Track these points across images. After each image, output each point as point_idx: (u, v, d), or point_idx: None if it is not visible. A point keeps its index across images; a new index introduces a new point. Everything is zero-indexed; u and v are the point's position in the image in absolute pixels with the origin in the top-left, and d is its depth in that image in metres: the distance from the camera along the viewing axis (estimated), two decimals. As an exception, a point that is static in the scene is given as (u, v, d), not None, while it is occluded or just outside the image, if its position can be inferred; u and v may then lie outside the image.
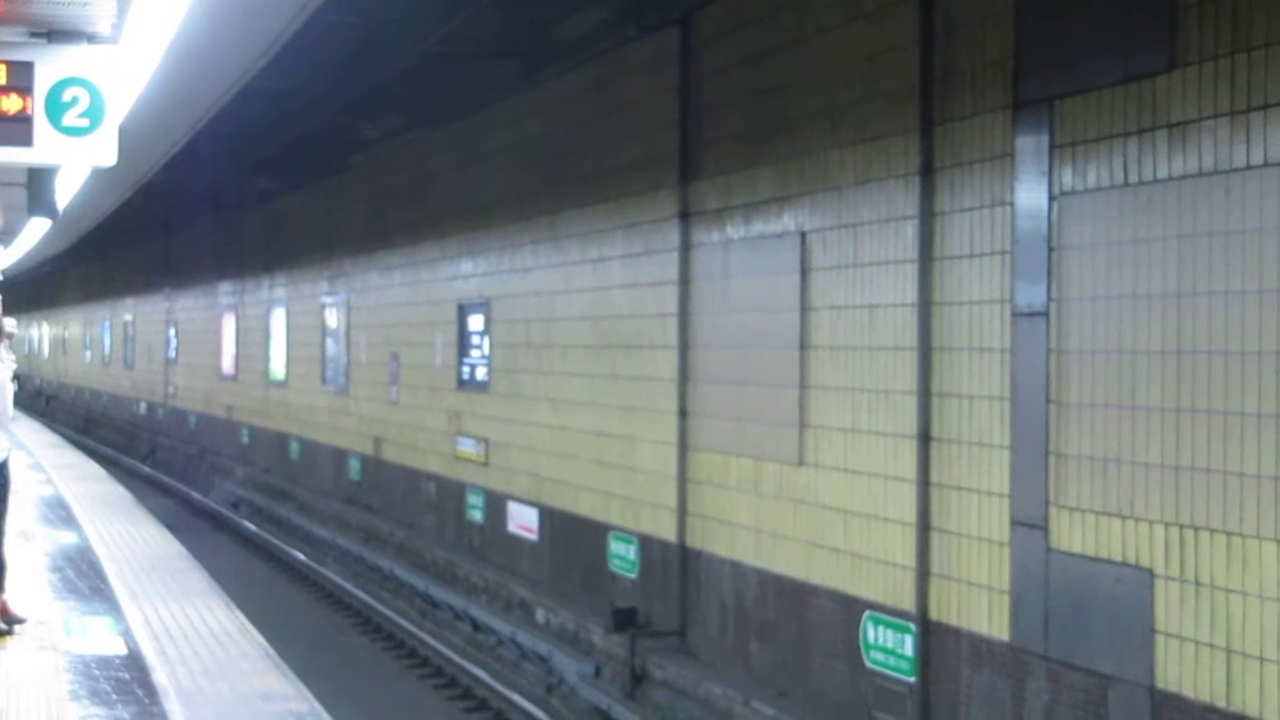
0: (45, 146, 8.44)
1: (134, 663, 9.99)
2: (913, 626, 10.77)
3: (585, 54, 16.31)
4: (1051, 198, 9.43)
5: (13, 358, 11.41)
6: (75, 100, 8.41)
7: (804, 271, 12.13)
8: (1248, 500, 8.00)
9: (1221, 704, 8.16)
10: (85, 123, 8.43)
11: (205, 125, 15.34)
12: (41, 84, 8.38)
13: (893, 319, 11.04)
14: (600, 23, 15.76)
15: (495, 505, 19.05)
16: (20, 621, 10.85)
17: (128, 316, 45.64)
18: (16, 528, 12.72)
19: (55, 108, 8.40)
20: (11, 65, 8.37)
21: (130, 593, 12.69)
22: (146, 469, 38.03)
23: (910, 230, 10.80)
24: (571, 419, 16.79)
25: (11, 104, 8.33)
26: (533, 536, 17.86)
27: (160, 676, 9.60)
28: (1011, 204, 9.82)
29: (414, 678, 16.67)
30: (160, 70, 11.30)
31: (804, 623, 12.24)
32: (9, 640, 10.43)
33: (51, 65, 8.40)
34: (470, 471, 19.91)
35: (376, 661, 17.48)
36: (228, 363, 33.91)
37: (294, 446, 28.80)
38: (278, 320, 29.98)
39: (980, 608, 10.15)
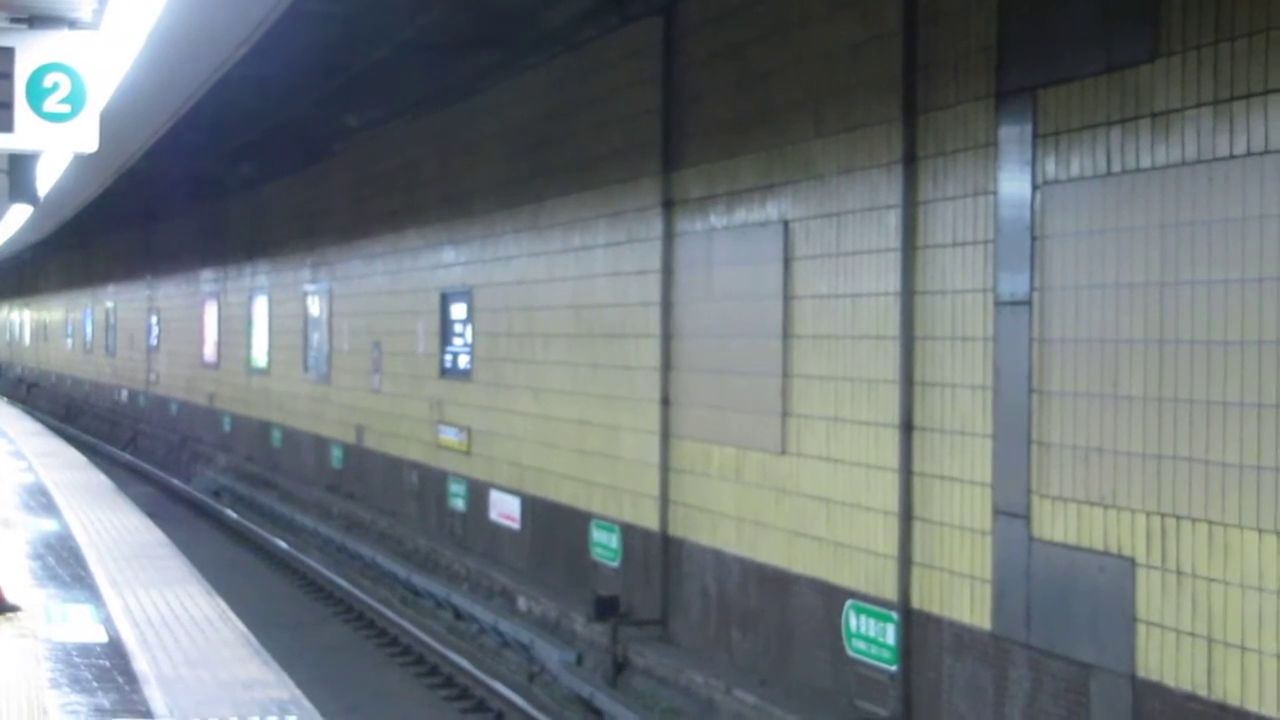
0: (26, 132, 8.41)
1: (115, 650, 9.96)
2: (895, 615, 10.78)
3: (568, 43, 16.29)
4: (1034, 187, 9.44)
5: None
6: (56, 86, 8.38)
7: (787, 260, 12.13)
8: (1229, 489, 8.02)
9: (1203, 693, 8.18)
10: (66, 109, 8.39)
11: (187, 112, 15.30)
12: (22, 70, 8.35)
13: (875, 308, 11.04)
14: (582, 11, 15.73)
15: (477, 493, 19.04)
16: (15, 609, 10.79)
17: (109, 304, 45.53)
18: (-3, 515, 12.69)
19: (36, 93, 8.36)
20: (-8, 50, 8.33)
21: (111, 580, 12.66)
22: (128, 456, 37.95)
23: (893, 219, 10.81)
24: (554, 407, 16.78)
25: (-8, 90, 8.30)
26: (515, 525, 17.86)
27: (141, 664, 9.57)
28: (994, 193, 9.83)
29: (396, 666, 16.66)
30: (142, 56, 11.26)
31: (786, 611, 12.25)
32: (-11, 628, 10.40)
33: (32, 51, 8.36)
34: (452, 460, 19.89)
35: (358, 649, 17.47)
36: (210, 350, 33.85)
37: (276, 434, 28.76)
38: (260, 308, 29.93)
39: (962, 596, 10.16)
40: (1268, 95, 7.78)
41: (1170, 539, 8.42)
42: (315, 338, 26.48)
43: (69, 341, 53.28)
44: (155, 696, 8.80)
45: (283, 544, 23.60)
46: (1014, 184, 9.62)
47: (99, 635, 10.44)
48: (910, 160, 10.63)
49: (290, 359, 27.83)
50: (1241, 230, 7.93)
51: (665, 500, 14.19)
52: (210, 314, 33.77)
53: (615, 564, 15.24)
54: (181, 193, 32.46)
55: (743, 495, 12.87)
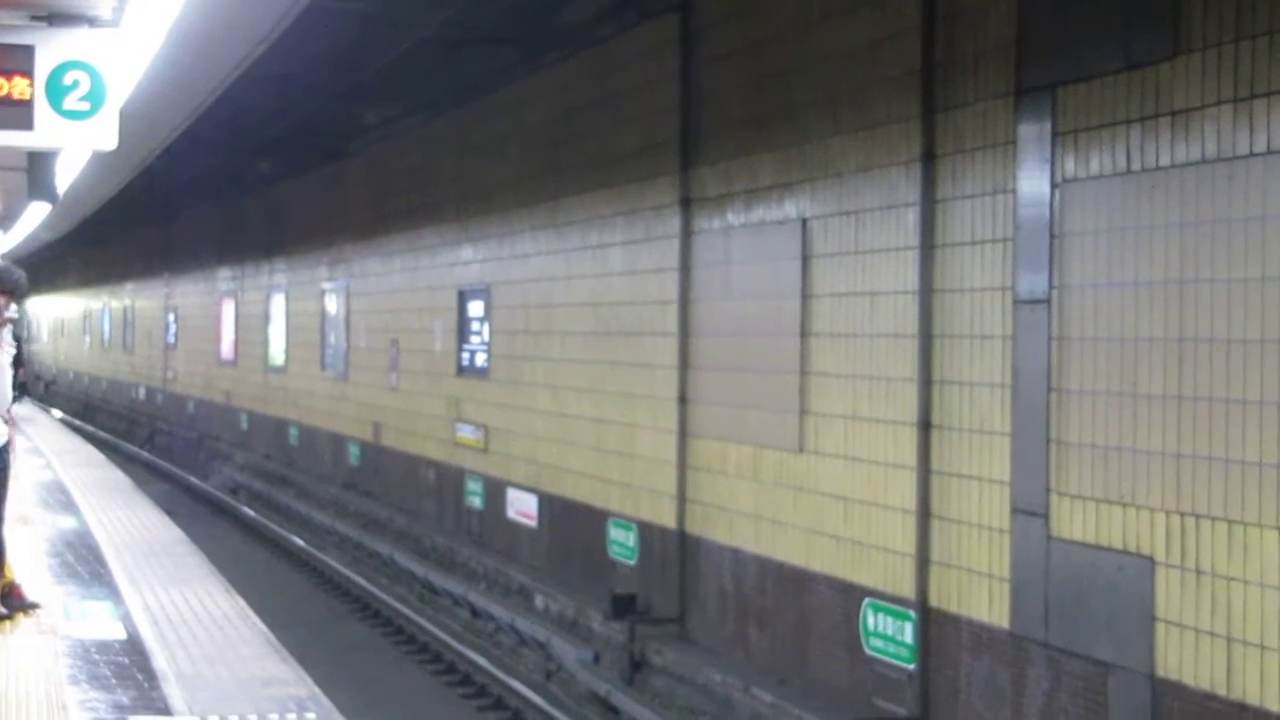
0: (46, 130, 8.43)
1: (133, 647, 9.98)
2: (912, 614, 10.76)
3: (586, 40, 16.29)
4: (1054, 185, 9.42)
5: (13, 343, 11.37)
6: (76, 84, 8.39)
7: (805, 258, 12.11)
8: (1249, 488, 7.99)
9: (1222, 692, 8.16)
10: (86, 106, 8.41)
11: (206, 110, 15.33)
12: (42, 67, 8.36)
13: (894, 306, 11.03)
14: (601, 9, 15.74)
15: (494, 491, 19.05)
16: (35, 606, 10.81)
17: (127, 301, 45.62)
18: (16, 512, 12.71)
19: (56, 91, 8.38)
20: (12, 49, 8.35)
21: (130, 577, 12.68)
22: (145, 454, 38.02)
23: (912, 217, 10.79)
24: (571, 405, 16.78)
25: (12, 88, 8.31)
26: (532, 523, 17.86)
27: (160, 661, 9.59)
28: (1013, 191, 9.81)
29: (413, 664, 16.67)
30: (161, 54, 11.28)
31: (804, 610, 12.24)
32: (8, 624, 10.42)
33: (52, 49, 8.38)
34: (469, 458, 19.90)
35: (376, 647, 17.48)
36: (227, 348, 33.91)
37: (293, 432, 28.79)
38: (277, 306, 29.97)
39: (980, 595, 10.15)
40: (1289, 93, 7.76)
41: (1190, 538, 8.40)
42: (333, 336, 26.50)
43: (86, 339, 53.40)
44: (174, 693, 8.82)
45: (300, 542, 23.63)
46: (1033, 182, 9.60)
47: (118, 632, 10.46)
48: (929, 158, 10.61)
49: (308, 357, 27.86)
50: (1262, 228, 7.90)
51: (683, 498, 14.19)
52: (228, 312, 33.83)
53: (633, 562, 15.24)
54: (200, 190, 32.51)
55: (760, 493, 12.86)
